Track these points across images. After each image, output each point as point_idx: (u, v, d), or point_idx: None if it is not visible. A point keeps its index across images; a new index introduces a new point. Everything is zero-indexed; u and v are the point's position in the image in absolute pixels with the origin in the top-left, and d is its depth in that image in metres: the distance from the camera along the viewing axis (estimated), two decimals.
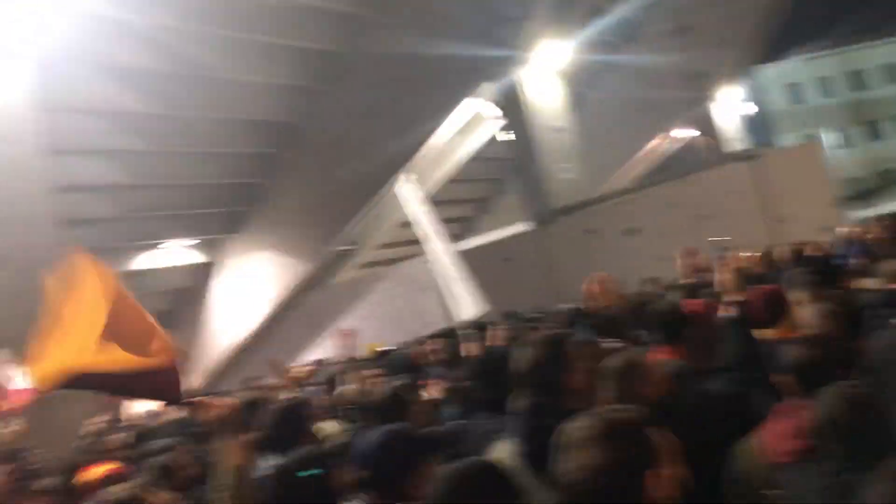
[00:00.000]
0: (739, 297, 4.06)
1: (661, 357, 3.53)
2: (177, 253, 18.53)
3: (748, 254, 9.03)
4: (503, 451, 2.92)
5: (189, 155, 16.99)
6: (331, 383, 6.71)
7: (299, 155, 17.89)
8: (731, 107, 26.32)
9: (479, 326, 7.44)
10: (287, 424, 4.03)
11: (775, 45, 38.52)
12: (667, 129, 23.75)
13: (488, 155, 20.51)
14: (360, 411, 4.57)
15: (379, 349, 9.12)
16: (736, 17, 20.70)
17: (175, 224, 17.96)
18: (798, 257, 8.27)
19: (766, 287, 4.16)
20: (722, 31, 20.33)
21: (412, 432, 3.00)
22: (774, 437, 2.68)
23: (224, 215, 18.75)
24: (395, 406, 3.80)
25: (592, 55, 19.77)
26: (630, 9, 19.01)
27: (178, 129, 16.12)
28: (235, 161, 18.11)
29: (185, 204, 17.79)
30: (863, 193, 41.13)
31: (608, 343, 3.91)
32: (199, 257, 19.11)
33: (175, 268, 18.58)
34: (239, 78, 15.94)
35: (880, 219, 12.15)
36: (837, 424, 2.35)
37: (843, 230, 10.36)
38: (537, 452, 2.61)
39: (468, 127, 19.26)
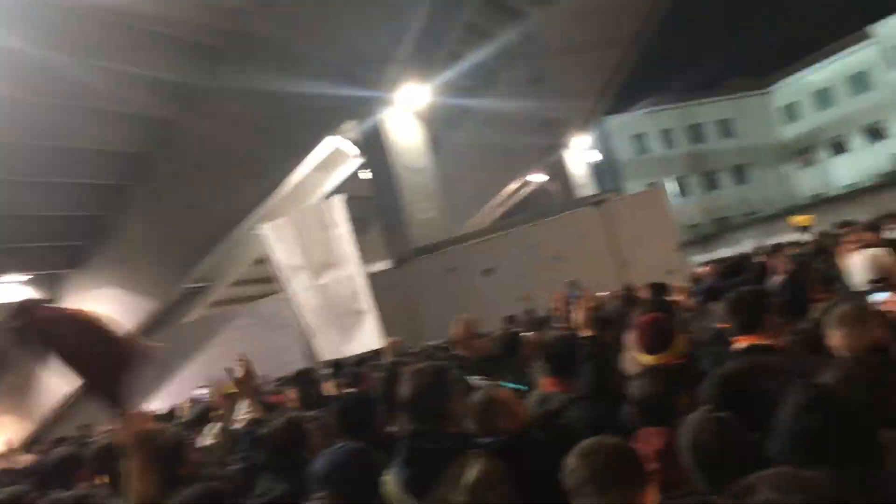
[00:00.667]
0: (591, 333, 4.33)
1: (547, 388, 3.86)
2: (9, 289, 17.18)
3: (601, 293, 9.40)
4: (390, 479, 3.08)
5: (26, 184, 15.89)
6: (202, 420, 6.35)
7: (150, 188, 17.14)
8: (581, 154, 27.56)
9: (337, 366, 7.40)
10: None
11: (622, 97, 40.91)
12: (523, 174, 24.51)
13: (349, 193, 20.42)
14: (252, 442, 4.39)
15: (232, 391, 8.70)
16: (587, 69, 21.81)
17: (8, 258, 16.68)
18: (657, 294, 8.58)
19: (653, 315, 4.32)
20: (574, 82, 21.33)
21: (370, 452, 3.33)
22: None
23: (63, 249, 17.61)
24: (293, 436, 3.90)
25: (451, 98, 20.21)
26: (487, 56, 19.62)
27: (16, 157, 15.07)
28: (78, 192, 17.10)
29: (19, 237, 16.58)
30: (701, 239, 44.00)
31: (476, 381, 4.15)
32: (33, 293, 17.80)
33: (5, 305, 17.22)
34: (87, 105, 15.13)
35: (716, 262, 12.96)
36: (699, 451, 2.44)
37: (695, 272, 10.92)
38: (419, 477, 2.88)
39: (328, 164, 19.13)
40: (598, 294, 9.39)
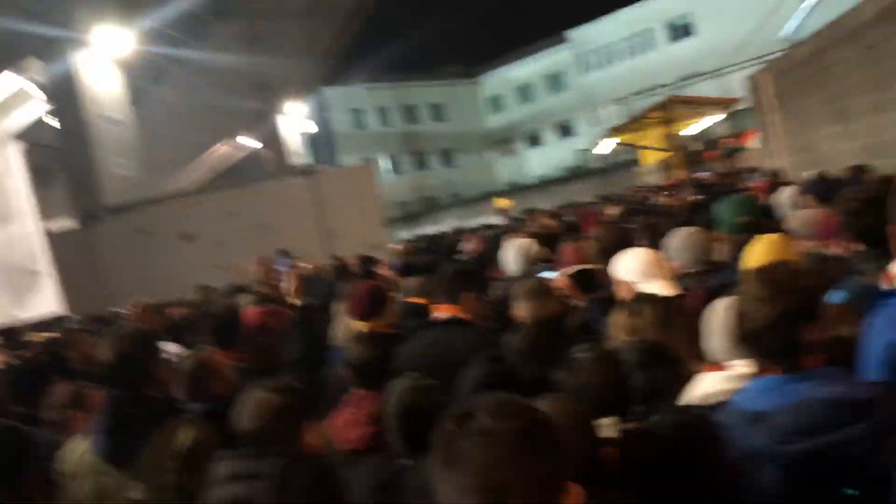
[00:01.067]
0: (302, 302, 4.54)
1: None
2: None
3: (310, 264, 9.26)
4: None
5: None
6: None
7: None
8: (296, 122, 27.03)
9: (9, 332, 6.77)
10: None
11: (342, 70, 40.94)
12: (233, 137, 23.46)
13: (31, 141, 18.12)
14: None
15: None
16: (306, 35, 21.31)
17: None
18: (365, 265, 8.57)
19: (368, 283, 4.44)
20: (292, 47, 20.75)
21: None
22: (340, 426, 2.95)
23: None
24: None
25: (158, 48, 18.71)
26: (199, 5, 18.37)
27: None
28: None
29: None
30: (409, 216, 45.63)
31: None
32: None
33: None
34: None
35: (414, 239, 13.34)
36: (401, 415, 2.52)
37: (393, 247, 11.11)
38: (122, 445, 2.79)
39: (6, 105, 16.78)
40: (307, 264, 9.25)
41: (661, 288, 3.21)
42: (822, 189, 6.08)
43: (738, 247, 3.44)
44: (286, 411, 2.42)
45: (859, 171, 7.50)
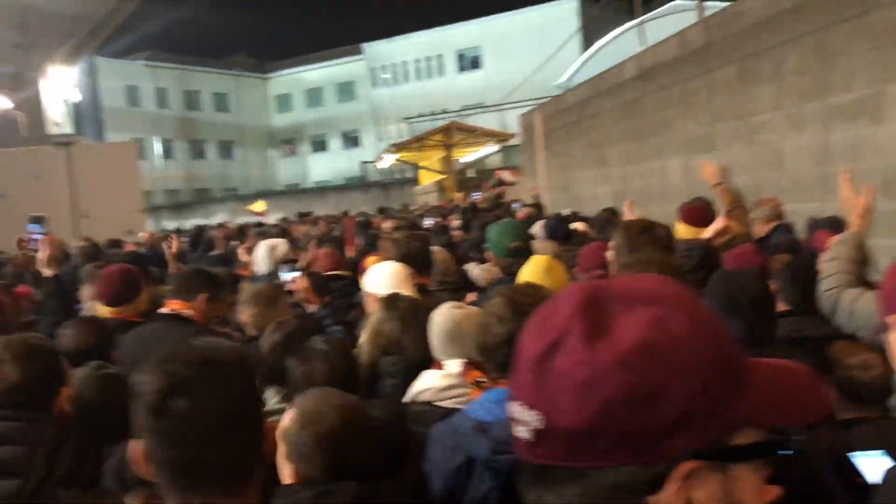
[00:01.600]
0: (55, 272, 4.25)
1: None
2: None
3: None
4: None
5: None
6: None
7: None
8: (60, 89, 24.74)
9: None
10: None
11: (120, 40, 38.20)
12: None
13: None
14: None
15: None
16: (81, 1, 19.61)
17: None
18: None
19: (121, 267, 4.17)
20: (60, 8, 18.98)
21: None
22: None
23: None
24: None
25: None
26: None
27: None
28: None
29: None
30: (178, 206, 43.39)
31: None
32: None
33: None
34: None
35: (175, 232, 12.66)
36: (84, 401, 2.42)
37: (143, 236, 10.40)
38: None
39: None
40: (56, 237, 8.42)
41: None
42: (555, 226, 6.43)
43: (507, 269, 3.62)
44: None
45: (611, 213, 8.10)
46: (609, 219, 7.72)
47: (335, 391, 2.00)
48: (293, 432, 1.81)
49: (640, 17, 17.96)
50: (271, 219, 21.56)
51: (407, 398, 2.45)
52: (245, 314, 3.47)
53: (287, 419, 1.84)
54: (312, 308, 3.88)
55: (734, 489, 0.74)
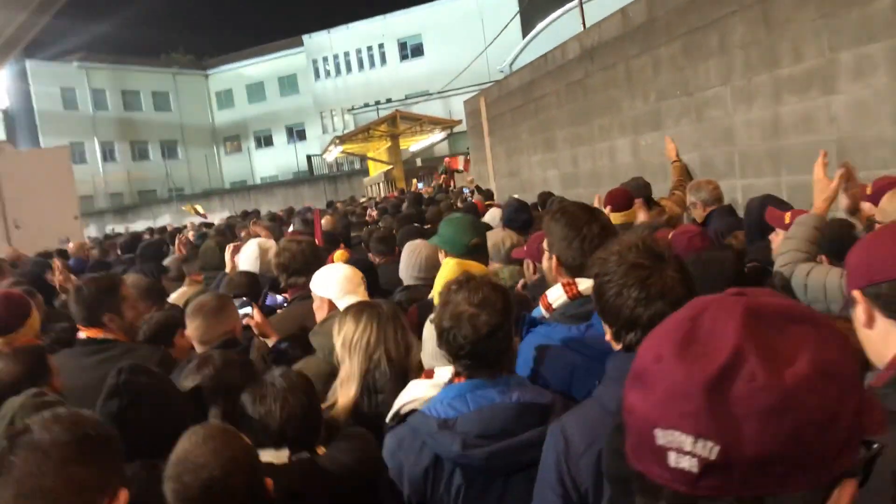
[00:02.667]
0: None
1: None
2: None
3: None
4: None
5: None
6: None
7: None
8: None
9: None
10: None
11: (52, 42, 36.94)
12: None
13: None
14: None
15: None
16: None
17: None
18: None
19: (3, 292, 3.73)
20: None
21: None
22: None
23: None
24: None
25: None
26: None
27: None
28: None
29: None
30: (122, 209, 42.31)
31: None
32: None
33: None
34: None
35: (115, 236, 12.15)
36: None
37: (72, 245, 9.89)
38: None
39: None
40: None
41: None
42: (513, 214, 6.26)
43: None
44: None
45: (547, 196, 7.91)
46: (554, 202, 7.54)
47: (224, 431, 1.85)
48: (171, 474, 1.73)
49: None
50: (216, 218, 21.01)
51: (393, 410, 2.30)
52: (189, 328, 3.17)
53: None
54: (270, 342, 3.48)
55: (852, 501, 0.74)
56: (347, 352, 2.61)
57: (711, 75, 6.65)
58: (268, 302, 3.90)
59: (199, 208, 14.90)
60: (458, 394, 2.03)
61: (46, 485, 1.44)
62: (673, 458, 0.71)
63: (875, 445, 0.75)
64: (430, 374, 2.36)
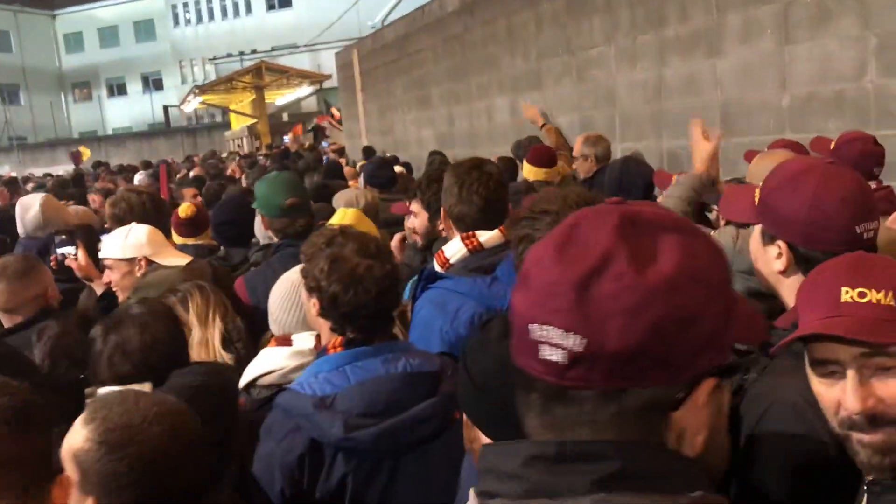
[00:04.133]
0: None
1: None
2: None
3: None
4: None
5: None
6: None
7: None
8: None
9: None
10: None
11: None
12: None
13: None
14: None
15: None
16: None
17: None
18: None
19: None
20: None
21: None
22: None
23: None
24: None
25: None
26: None
27: None
28: None
29: None
30: None
31: None
32: None
33: None
34: None
35: None
36: None
37: None
38: None
39: None
40: None
41: (176, 259, 2.98)
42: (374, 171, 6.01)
43: (282, 231, 3.10)
44: None
45: (441, 156, 7.63)
46: (443, 161, 7.26)
47: (141, 393, 1.53)
48: (95, 458, 1.33)
49: None
50: (59, 170, 19.43)
51: (245, 379, 2.10)
52: None
53: (78, 438, 1.35)
54: (98, 288, 3.14)
55: (723, 401, 0.80)
56: (202, 324, 2.39)
57: (595, 34, 6.48)
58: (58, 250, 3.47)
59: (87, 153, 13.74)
60: (335, 366, 1.79)
61: None
62: (545, 351, 0.74)
63: (752, 355, 0.85)
64: (284, 341, 2.18)
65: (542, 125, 6.87)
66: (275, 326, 2.33)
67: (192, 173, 10.72)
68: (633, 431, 0.74)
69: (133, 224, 3.04)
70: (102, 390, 1.80)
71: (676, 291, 0.72)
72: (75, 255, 3.20)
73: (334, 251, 1.81)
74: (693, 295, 0.72)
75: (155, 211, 3.47)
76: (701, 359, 0.74)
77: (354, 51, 13.93)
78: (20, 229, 3.81)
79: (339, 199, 4.20)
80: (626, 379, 0.73)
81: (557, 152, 6.17)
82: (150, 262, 2.89)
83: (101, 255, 3.00)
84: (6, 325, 2.76)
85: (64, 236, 3.30)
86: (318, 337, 2.09)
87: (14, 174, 19.41)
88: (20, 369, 2.02)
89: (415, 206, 2.99)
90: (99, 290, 3.13)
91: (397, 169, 7.01)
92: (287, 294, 2.29)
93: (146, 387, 1.76)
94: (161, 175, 7.63)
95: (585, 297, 0.72)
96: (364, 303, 1.77)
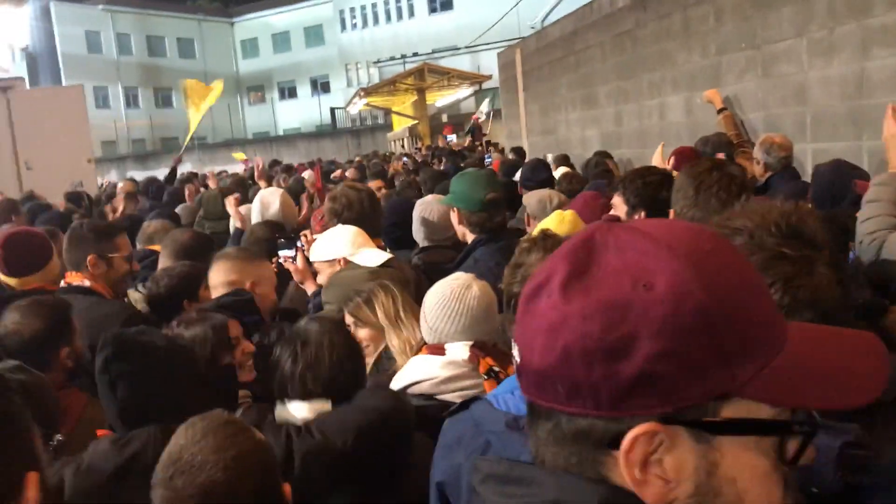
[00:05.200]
0: None
1: None
2: None
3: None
4: None
5: None
6: None
7: None
8: (12, 32, 23.34)
9: None
10: None
11: None
12: None
13: None
14: None
15: None
16: None
17: None
18: None
19: (24, 229, 3.75)
20: None
21: None
22: None
23: None
24: None
25: None
26: None
27: None
28: None
29: None
30: (143, 155, 42.04)
31: None
32: None
33: None
34: None
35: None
36: None
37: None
38: None
39: None
40: None
41: (378, 255, 2.97)
42: (531, 172, 5.88)
43: (481, 225, 3.11)
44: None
45: (603, 156, 7.35)
46: (600, 163, 6.97)
47: (228, 423, 1.51)
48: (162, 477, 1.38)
49: None
50: (238, 169, 20.53)
51: (397, 387, 2.11)
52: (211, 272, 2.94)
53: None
54: (309, 289, 3.29)
55: (721, 465, 0.70)
56: (394, 325, 2.41)
57: (784, 26, 5.97)
58: (280, 253, 3.60)
59: (243, 155, 14.62)
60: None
61: None
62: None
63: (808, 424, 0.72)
64: (437, 350, 2.16)
65: (720, 110, 6.44)
66: (429, 334, 2.27)
67: (347, 173, 11.01)
68: (573, 462, 0.73)
69: (337, 226, 3.14)
70: (292, 406, 1.86)
71: (590, 320, 0.68)
72: (294, 257, 3.32)
73: (522, 258, 1.73)
74: (611, 327, 0.67)
75: (371, 208, 3.54)
76: (633, 398, 0.68)
77: (517, 50, 13.78)
78: (255, 219, 4.07)
79: (530, 199, 4.13)
80: (552, 399, 0.72)
81: (738, 149, 5.76)
82: (347, 262, 2.95)
83: (311, 258, 3.11)
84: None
85: (283, 240, 3.45)
86: (472, 348, 2.08)
87: (195, 171, 20.70)
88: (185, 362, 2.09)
89: (616, 200, 2.88)
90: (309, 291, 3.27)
91: (563, 170, 6.81)
92: (445, 301, 2.23)
93: (327, 405, 1.87)
94: (315, 174, 7.87)
95: (526, 311, 0.74)
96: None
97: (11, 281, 3.35)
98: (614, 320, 0.68)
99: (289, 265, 3.35)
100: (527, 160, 9.05)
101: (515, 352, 0.76)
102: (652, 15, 8.11)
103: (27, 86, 16.28)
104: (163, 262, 3.51)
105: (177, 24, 51.48)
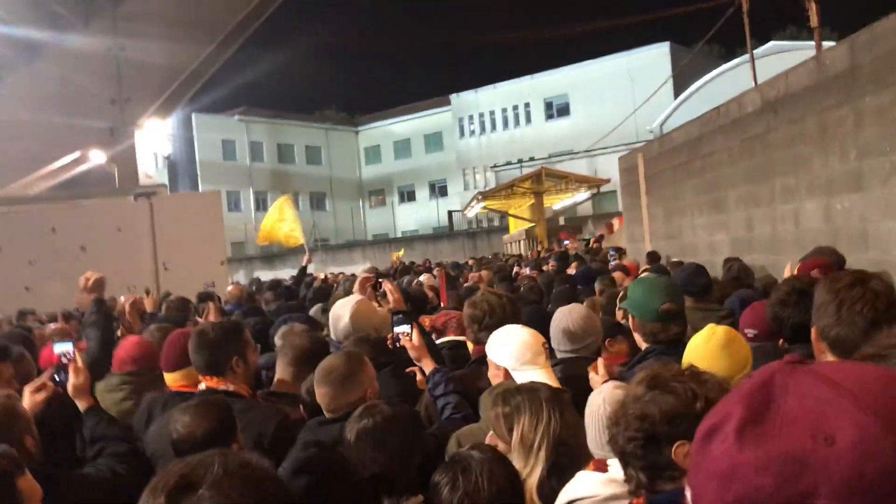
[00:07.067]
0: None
1: None
2: None
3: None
4: None
5: None
6: None
7: None
8: (153, 143, 25.20)
9: None
10: None
11: (214, 95, 39.16)
12: (83, 147, 21.31)
13: None
14: None
15: None
16: (177, 51, 19.79)
17: None
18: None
19: (182, 331, 3.79)
20: (157, 60, 19.17)
21: None
22: None
23: None
24: None
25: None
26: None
27: None
28: None
29: None
30: (270, 256, 43.92)
31: None
32: None
33: None
34: None
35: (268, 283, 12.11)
36: None
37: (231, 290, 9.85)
38: None
39: None
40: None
41: (539, 377, 2.74)
42: (689, 278, 5.59)
43: (653, 336, 2.92)
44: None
45: (738, 262, 7.04)
46: (742, 268, 6.67)
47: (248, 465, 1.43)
48: None
49: (736, 58, 16.86)
50: (357, 269, 21.06)
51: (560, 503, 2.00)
52: (317, 394, 2.85)
53: None
54: (427, 368, 3.26)
55: None
56: (525, 449, 2.22)
57: None
58: (395, 329, 3.58)
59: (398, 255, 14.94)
60: None
61: None
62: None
63: None
64: (601, 466, 2.00)
65: None
66: (593, 445, 2.19)
67: (482, 274, 10.98)
68: None
69: (516, 328, 3.01)
70: None
71: (766, 474, 0.64)
72: (409, 334, 3.31)
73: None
74: (788, 485, 0.63)
75: (512, 315, 3.45)
76: None
77: (639, 154, 13.70)
78: (332, 335, 3.93)
79: None
80: None
81: None
82: (507, 375, 2.84)
83: (487, 352, 3.02)
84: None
85: (401, 315, 3.50)
86: None
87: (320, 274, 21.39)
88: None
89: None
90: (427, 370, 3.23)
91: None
92: (597, 413, 2.19)
93: None
94: (441, 280, 7.83)
95: (700, 452, 0.71)
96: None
97: (169, 378, 3.49)
98: (790, 476, 0.63)
99: (405, 342, 3.32)
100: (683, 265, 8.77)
101: (688, 492, 0.73)
102: (783, 119, 7.89)
103: (168, 191, 17.39)
104: (281, 369, 3.49)
105: (306, 133, 54.44)
